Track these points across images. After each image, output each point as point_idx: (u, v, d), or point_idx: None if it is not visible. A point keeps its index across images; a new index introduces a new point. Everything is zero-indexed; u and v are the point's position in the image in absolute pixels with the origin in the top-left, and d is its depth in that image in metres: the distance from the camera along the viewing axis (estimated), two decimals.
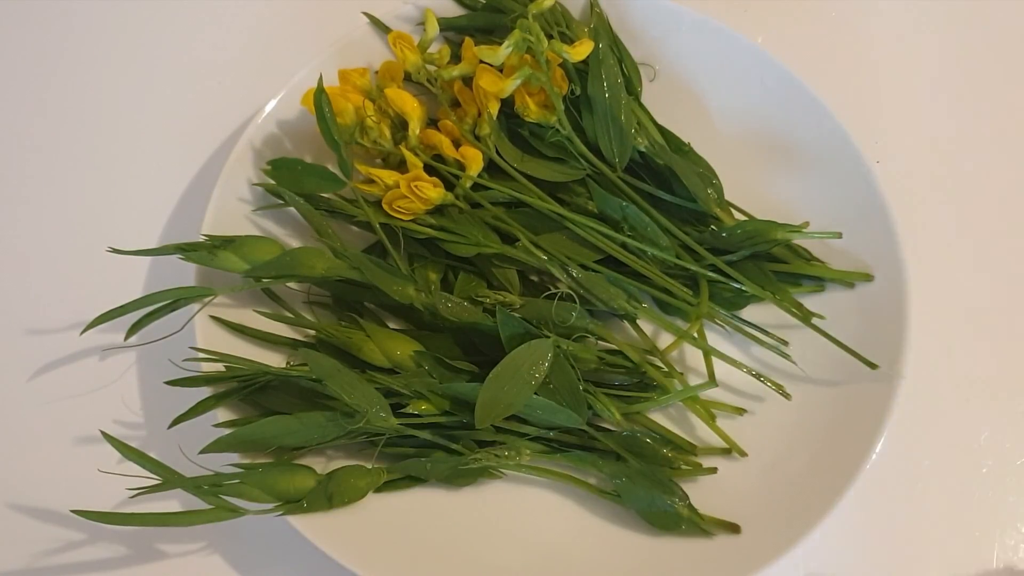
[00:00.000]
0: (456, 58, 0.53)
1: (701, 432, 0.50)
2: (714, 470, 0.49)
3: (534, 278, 0.52)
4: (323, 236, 0.49)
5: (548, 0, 0.50)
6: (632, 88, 0.53)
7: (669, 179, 0.52)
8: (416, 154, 0.50)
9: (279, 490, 0.44)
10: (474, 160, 0.50)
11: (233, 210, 0.51)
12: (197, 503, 0.43)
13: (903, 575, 0.50)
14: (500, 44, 0.48)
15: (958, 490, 0.51)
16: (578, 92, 0.51)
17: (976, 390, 0.53)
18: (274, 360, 0.49)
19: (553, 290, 0.48)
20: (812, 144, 0.52)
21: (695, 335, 0.49)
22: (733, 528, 0.47)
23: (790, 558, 0.44)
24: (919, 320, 0.48)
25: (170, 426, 0.46)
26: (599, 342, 0.49)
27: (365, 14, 0.54)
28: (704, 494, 0.47)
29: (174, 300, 0.46)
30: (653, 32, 0.54)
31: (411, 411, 0.46)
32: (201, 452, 0.44)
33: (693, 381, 0.50)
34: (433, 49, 0.53)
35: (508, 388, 0.45)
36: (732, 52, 0.53)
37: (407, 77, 0.52)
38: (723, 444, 0.49)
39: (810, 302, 0.51)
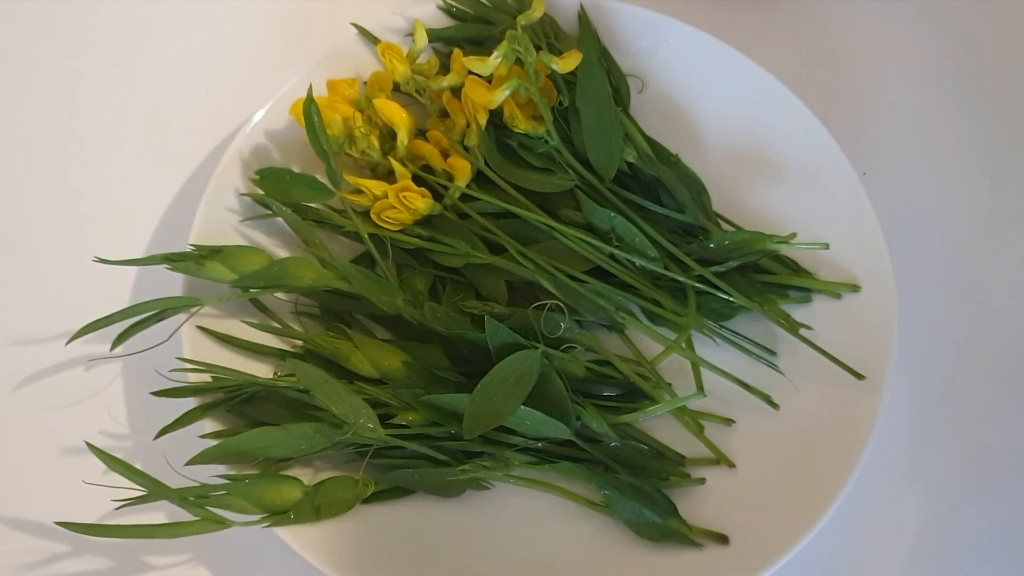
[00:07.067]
0: (445, 69, 0.53)
1: (689, 443, 0.50)
2: (702, 480, 0.49)
3: (522, 289, 0.52)
4: (311, 246, 0.48)
5: (537, 11, 0.50)
6: (620, 99, 0.54)
7: (657, 190, 0.52)
8: (404, 164, 0.50)
9: (266, 501, 0.44)
10: (462, 171, 0.50)
11: (221, 220, 0.51)
12: (183, 515, 0.43)
13: None
14: (489, 55, 0.48)
15: (946, 500, 0.51)
16: (567, 103, 0.51)
17: (963, 400, 0.53)
18: (261, 371, 0.49)
19: (542, 301, 0.48)
20: (800, 155, 0.53)
21: (683, 346, 0.49)
22: (721, 539, 0.47)
23: (779, 569, 0.44)
24: (906, 330, 0.48)
25: (156, 437, 0.45)
26: (587, 352, 0.49)
27: (354, 25, 0.54)
28: (692, 504, 0.47)
29: (161, 310, 0.46)
30: (641, 44, 0.55)
31: (399, 422, 0.46)
32: (187, 463, 0.44)
33: (681, 391, 0.50)
34: (422, 60, 0.53)
35: (496, 399, 0.45)
36: (720, 64, 0.54)
37: (396, 88, 0.52)
38: (711, 454, 0.49)
39: (797, 313, 0.51)
